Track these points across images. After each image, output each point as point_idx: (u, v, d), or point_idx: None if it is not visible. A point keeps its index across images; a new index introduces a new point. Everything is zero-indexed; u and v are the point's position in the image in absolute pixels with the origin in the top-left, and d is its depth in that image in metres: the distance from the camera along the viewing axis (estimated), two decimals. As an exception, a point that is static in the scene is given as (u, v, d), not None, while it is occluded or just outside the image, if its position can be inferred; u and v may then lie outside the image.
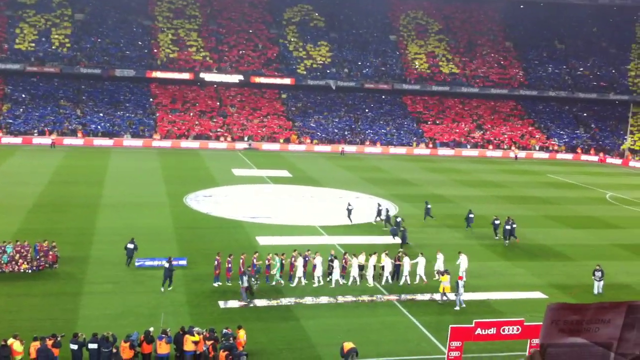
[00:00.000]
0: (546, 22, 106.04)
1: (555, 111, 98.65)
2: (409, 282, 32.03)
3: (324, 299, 29.52)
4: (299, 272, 30.99)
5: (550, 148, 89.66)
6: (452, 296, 29.78)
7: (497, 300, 30.77)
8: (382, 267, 32.24)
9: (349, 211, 43.34)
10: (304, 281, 31.05)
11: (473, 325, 22.28)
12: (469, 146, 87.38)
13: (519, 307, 29.37)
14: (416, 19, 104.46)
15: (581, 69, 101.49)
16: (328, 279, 31.39)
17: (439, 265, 32.79)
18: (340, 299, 29.70)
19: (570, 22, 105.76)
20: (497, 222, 42.47)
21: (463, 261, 32.97)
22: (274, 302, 28.77)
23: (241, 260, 30.14)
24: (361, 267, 32.04)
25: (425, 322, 27.45)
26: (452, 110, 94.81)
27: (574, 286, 33.16)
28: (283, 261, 31.33)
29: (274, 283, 30.81)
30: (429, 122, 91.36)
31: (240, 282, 28.69)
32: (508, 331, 22.40)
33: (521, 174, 71.09)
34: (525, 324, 22.58)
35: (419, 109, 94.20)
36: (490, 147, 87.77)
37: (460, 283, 29.50)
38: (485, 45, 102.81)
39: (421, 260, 32.80)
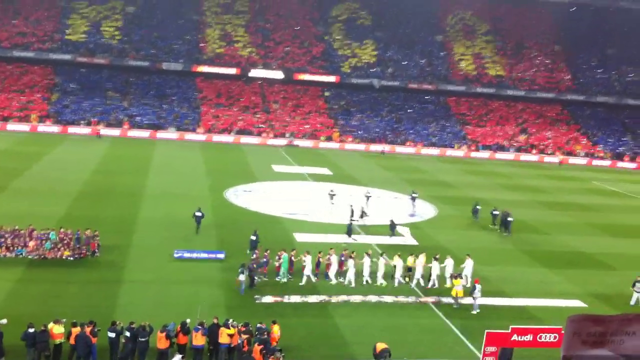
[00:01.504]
0: (597, 26, 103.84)
1: (602, 117, 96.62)
2: (436, 284, 31.83)
3: (359, 298, 29.53)
4: (332, 270, 31.11)
5: (596, 155, 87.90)
6: (467, 300, 29.51)
7: (535, 307, 30.39)
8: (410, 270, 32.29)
9: (362, 212, 43.16)
10: (333, 279, 31.17)
11: (509, 331, 22.05)
12: (512, 150, 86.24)
13: (557, 315, 28.93)
14: (464, 19, 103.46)
15: (631, 74, 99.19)
16: (364, 279, 31.41)
17: (450, 269, 32.30)
18: (376, 299, 29.67)
19: (621, 27, 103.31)
20: (495, 212, 44.73)
21: (468, 265, 32.50)
22: (309, 299, 28.92)
23: (278, 257, 30.55)
24: (409, 269, 32.02)
25: (461, 326, 27.27)
26: (497, 113, 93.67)
27: (613, 296, 32.55)
28: (293, 258, 31.28)
29: (281, 279, 30.68)
30: (472, 124, 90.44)
31: (241, 275, 28.88)
32: (545, 339, 22.08)
33: (564, 180, 69.90)
34: (563, 332, 22.23)
35: (463, 110, 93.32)
36: (534, 151, 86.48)
37: (477, 287, 29.15)
38: (533, 48, 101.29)
39: (449, 262, 32.60)
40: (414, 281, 31.81)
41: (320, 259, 31.55)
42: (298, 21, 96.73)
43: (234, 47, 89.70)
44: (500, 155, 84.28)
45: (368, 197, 47.93)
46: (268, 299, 28.58)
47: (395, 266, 31.73)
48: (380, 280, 31.53)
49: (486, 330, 22.27)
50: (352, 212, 42.63)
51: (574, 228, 47.29)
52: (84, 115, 77.29)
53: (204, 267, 30.48)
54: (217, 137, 77.79)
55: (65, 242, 31.67)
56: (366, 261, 31.57)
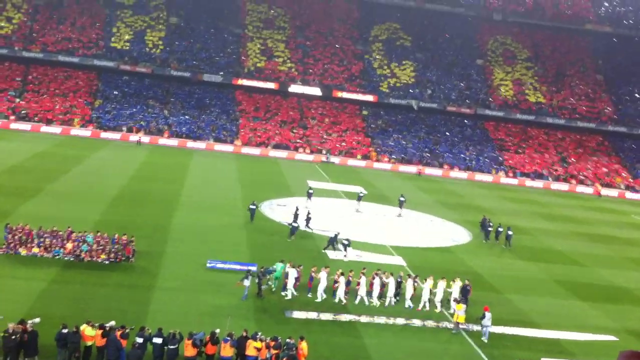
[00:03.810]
0: (639, 57, 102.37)
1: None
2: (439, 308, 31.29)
3: (389, 320, 29.22)
4: (362, 291, 30.82)
5: (637, 188, 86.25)
6: (473, 327, 28.92)
7: (567, 340, 29.74)
8: (450, 293, 31.71)
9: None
10: (355, 299, 30.88)
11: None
12: (550, 179, 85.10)
13: (590, 350, 28.32)
14: (505, 44, 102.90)
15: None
16: (387, 299, 31.05)
17: (455, 293, 31.51)
18: (405, 321, 29.33)
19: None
20: (499, 229, 46.91)
21: (455, 288, 31.68)
22: (339, 317, 28.71)
23: (312, 273, 30.48)
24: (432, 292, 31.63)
25: (491, 355, 26.80)
26: (536, 140, 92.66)
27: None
28: (313, 274, 30.90)
29: (283, 293, 30.47)
30: (511, 151, 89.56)
31: (245, 280, 28.99)
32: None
33: (603, 212, 68.64)
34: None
35: (501, 136, 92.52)
36: (573, 181, 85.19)
37: (487, 315, 28.50)
38: (574, 77, 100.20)
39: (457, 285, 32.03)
40: (438, 305, 31.29)
41: (351, 279, 31.30)
42: (338, 39, 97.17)
43: (274, 61, 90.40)
44: (538, 183, 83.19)
45: (360, 197, 52.73)
46: (297, 314, 28.45)
47: (431, 291, 31.39)
48: (409, 303, 31.16)
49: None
50: (296, 215, 42.39)
51: (611, 261, 46.34)
52: (125, 122, 78.41)
53: (236, 278, 30.49)
54: (253, 150, 78.22)
55: (102, 245, 32.01)
56: (391, 281, 31.27)
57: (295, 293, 30.48)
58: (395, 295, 31.19)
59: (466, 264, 40.28)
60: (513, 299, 34.39)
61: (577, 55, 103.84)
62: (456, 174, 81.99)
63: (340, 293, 30.47)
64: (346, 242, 38.00)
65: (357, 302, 30.58)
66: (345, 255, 37.48)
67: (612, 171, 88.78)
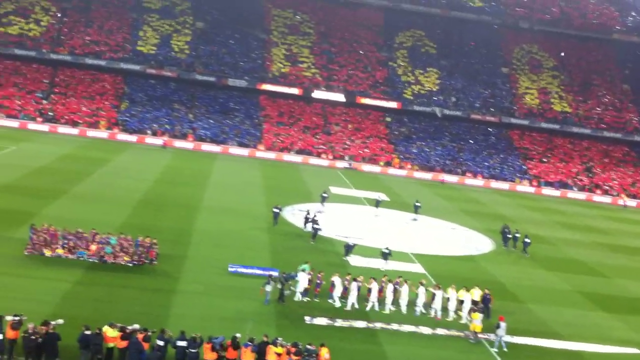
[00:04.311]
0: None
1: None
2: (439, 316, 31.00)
3: (409, 328, 29.14)
4: (389, 299, 30.75)
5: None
6: (489, 336, 28.69)
7: (591, 353, 29.44)
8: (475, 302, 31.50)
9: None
10: (375, 307, 30.83)
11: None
12: (575, 188, 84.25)
13: (614, 363, 28.01)
14: (531, 52, 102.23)
15: None
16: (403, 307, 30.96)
17: (468, 302, 31.18)
18: (427, 330, 29.23)
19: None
20: (517, 235, 46.89)
21: (467, 296, 31.26)
22: (358, 324, 28.70)
23: (334, 280, 30.53)
24: (460, 302, 31.39)
25: (512, 365, 26.63)
26: (561, 149, 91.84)
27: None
28: (320, 280, 31.00)
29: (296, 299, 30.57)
30: (535, 160, 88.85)
31: (267, 285, 29.10)
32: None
33: (629, 223, 67.79)
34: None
35: (526, 145, 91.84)
36: (598, 191, 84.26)
37: (502, 325, 28.21)
38: (601, 86, 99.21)
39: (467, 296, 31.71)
40: (450, 313, 31.11)
41: (383, 285, 31.24)
42: (362, 46, 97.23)
43: (298, 67, 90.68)
44: (562, 192, 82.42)
45: (378, 202, 54.44)
46: (319, 320, 28.49)
47: (448, 298, 31.21)
48: (420, 309, 30.95)
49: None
50: (307, 219, 43.13)
51: (634, 273, 45.77)
52: (150, 126, 79.12)
53: (257, 283, 30.61)
54: (277, 155, 78.45)
55: (125, 248, 32.31)
56: (421, 290, 31.13)
57: (302, 298, 30.52)
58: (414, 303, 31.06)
59: (488, 272, 40.04)
60: (535, 309, 34.11)
61: (604, 64, 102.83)
62: (478, 181, 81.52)
63: (352, 298, 30.48)
64: (387, 252, 37.68)
65: (368, 309, 30.48)
66: (383, 265, 37.17)
67: (639, 182, 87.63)
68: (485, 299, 31.60)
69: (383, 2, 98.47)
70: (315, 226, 41.80)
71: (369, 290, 30.64)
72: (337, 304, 30.51)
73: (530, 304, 34.88)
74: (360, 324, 28.78)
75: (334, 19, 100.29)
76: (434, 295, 30.98)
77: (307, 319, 28.45)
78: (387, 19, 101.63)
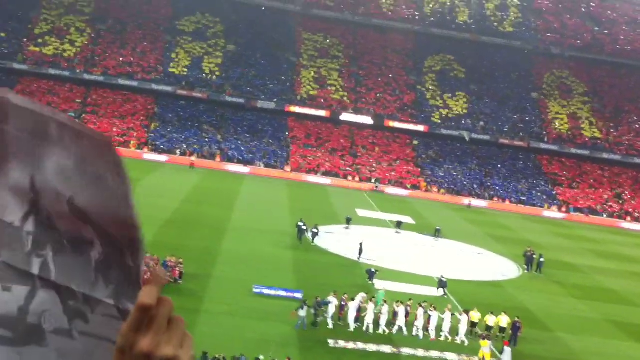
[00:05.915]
0: None
1: None
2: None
3: (433, 353, 28.83)
4: (401, 321, 30.52)
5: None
6: None
7: (620, 383, 28.82)
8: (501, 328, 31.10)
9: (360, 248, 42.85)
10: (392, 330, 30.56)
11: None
12: (605, 215, 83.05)
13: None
14: (561, 78, 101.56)
15: None
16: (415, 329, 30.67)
17: (465, 324, 30.81)
18: (453, 356, 28.89)
19: None
20: (533, 255, 46.73)
21: (433, 317, 30.69)
22: (382, 349, 28.48)
23: (357, 299, 30.37)
24: (473, 324, 31.10)
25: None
26: (590, 176, 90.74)
27: None
28: (344, 302, 30.76)
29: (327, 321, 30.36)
30: (564, 186, 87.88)
31: (300, 310, 28.93)
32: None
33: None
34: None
35: (555, 170, 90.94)
36: (629, 219, 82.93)
37: (507, 350, 27.69)
38: (632, 113, 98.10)
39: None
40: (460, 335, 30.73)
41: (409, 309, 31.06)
42: (391, 69, 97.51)
43: (327, 90, 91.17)
44: (592, 219, 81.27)
45: (400, 224, 55.55)
46: (343, 343, 28.33)
47: (472, 323, 30.92)
48: (462, 337, 30.68)
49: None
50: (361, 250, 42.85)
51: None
52: (179, 146, 79.98)
53: (281, 305, 30.59)
54: (303, 177, 78.70)
55: (151, 266, 32.54)
56: (447, 316, 30.83)
57: (405, 331, 30.33)
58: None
59: (516, 299, 39.51)
60: (564, 338, 33.54)
61: (636, 91, 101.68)
62: (507, 206, 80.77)
63: (401, 322, 30.36)
64: (444, 280, 37.53)
65: (394, 332, 30.28)
66: (444, 294, 37.05)
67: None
68: (514, 327, 31.16)
69: (413, 27, 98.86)
70: (314, 230, 44.55)
71: (395, 314, 30.44)
72: (351, 327, 30.27)
73: (559, 333, 34.31)
74: (386, 348, 28.55)
75: (364, 43, 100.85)
76: (459, 320, 30.69)
77: (330, 342, 28.31)
78: (417, 44, 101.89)
